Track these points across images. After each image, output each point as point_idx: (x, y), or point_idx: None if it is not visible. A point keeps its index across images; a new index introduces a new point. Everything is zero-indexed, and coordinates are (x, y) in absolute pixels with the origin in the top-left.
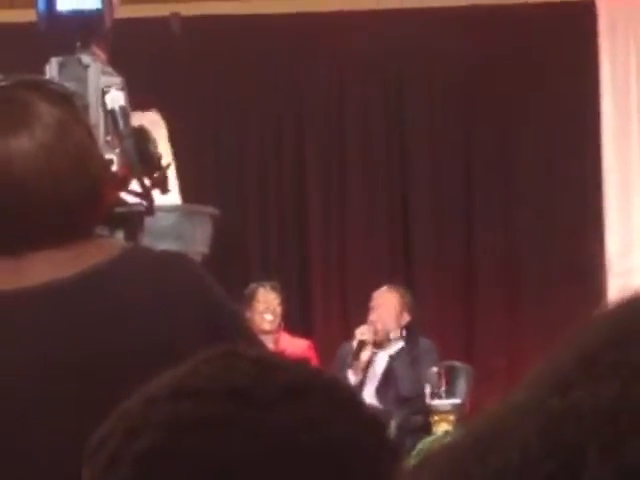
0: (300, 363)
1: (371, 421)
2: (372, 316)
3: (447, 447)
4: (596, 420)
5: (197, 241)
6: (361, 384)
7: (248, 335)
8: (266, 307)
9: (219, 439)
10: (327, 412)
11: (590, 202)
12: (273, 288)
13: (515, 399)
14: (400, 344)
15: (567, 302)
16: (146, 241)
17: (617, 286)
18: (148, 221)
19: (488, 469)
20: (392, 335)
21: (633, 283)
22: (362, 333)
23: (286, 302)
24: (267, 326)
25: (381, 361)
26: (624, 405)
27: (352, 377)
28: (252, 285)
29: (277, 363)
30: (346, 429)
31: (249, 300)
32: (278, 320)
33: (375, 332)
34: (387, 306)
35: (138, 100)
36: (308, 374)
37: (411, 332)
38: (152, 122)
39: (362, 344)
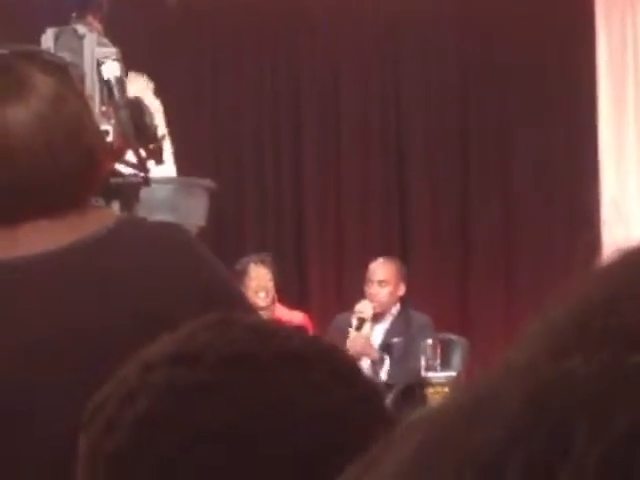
0: (297, 330)
1: (368, 389)
2: (371, 289)
3: (432, 416)
4: (588, 391)
5: (193, 214)
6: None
7: (244, 306)
8: (258, 284)
9: (215, 404)
10: (324, 379)
11: (585, 154)
12: (263, 262)
13: (506, 362)
14: (394, 315)
15: (565, 270)
16: (142, 213)
17: (613, 236)
18: (144, 193)
19: (475, 439)
20: (393, 311)
21: (629, 233)
22: (362, 311)
23: (281, 275)
24: (261, 303)
25: (377, 334)
26: (617, 375)
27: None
28: (243, 260)
29: (274, 330)
30: (343, 396)
31: (241, 276)
32: (272, 294)
33: (374, 307)
34: (386, 281)
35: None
36: (305, 341)
37: (405, 303)
38: (140, 88)
39: (362, 321)
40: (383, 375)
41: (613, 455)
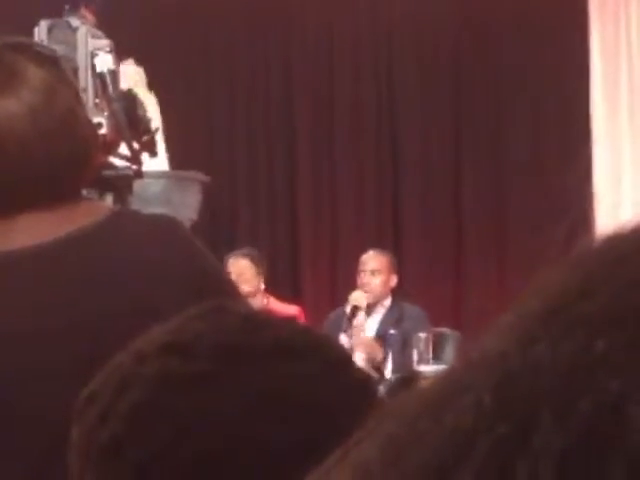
0: (288, 321)
1: (361, 380)
2: (363, 279)
3: (403, 405)
4: (552, 379)
5: (185, 207)
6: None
7: (236, 297)
8: (237, 275)
9: (208, 394)
10: (317, 369)
11: (578, 135)
12: (244, 255)
13: (479, 351)
14: (386, 307)
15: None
16: (134, 206)
17: (605, 225)
18: (137, 187)
19: (443, 429)
20: (385, 301)
21: (620, 216)
22: (356, 299)
23: (274, 269)
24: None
25: (371, 326)
26: (582, 362)
27: (346, 341)
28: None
29: (266, 320)
30: (336, 386)
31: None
32: (255, 287)
33: (367, 297)
34: (378, 270)
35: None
36: (297, 331)
37: (396, 295)
38: (132, 74)
39: (355, 309)
40: (387, 373)
41: (572, 443)
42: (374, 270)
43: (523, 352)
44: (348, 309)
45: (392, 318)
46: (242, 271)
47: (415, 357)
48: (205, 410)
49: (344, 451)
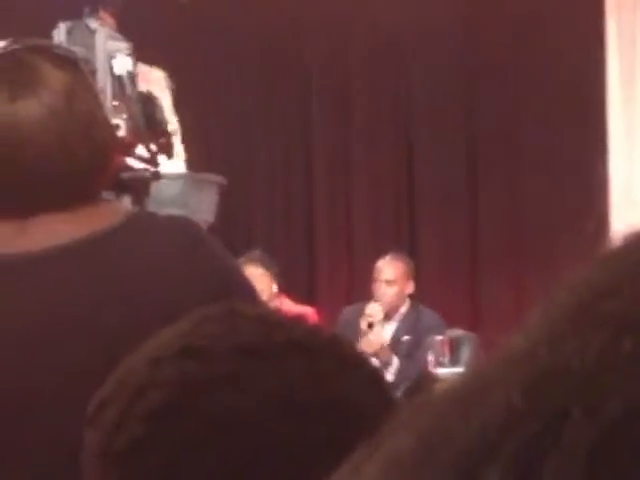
0: (300, 321)
1: (373, 377)
2: (379, 289)
3: (433, 402)
4: (581, 378)
5: (202, 209)
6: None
7: (254, 298)
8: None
9: (229, 396)
10: (331, 367)
11: (594, 144)
12: (255, 262)
13: (507, 349)
14: (403, 314)
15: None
16: (151, 208)
17: (620, 222)
18: (154, 190)
19: (471, 427)
20: (402, 309)
21: (636, 218)
22: (371, 315)
23: (290, 271)
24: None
25: (387, 333)
26: (610, 361)
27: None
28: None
29: (279, 321)
30: (350, 385)
31: None
32: (269, 294)
33: (383, 308)
34: (394, 280)
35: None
36: (309, 331)
37: (414, 301)
38: (156, 80)
39: (371, 325)
40: (390, 376)
41: (601, 442)
42: (389, 280)
43: (552, 349)
44: (363, 324)
45: (408, 325)
46: (255, 279)
47: (431, 360)
48: (227, 411)
49: (374, 444)
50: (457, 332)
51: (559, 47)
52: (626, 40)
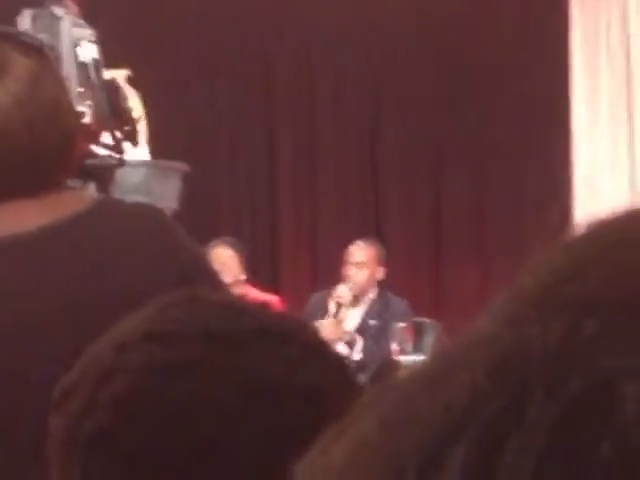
0: (263, 307)
1: (338, 362)
2: (348, 271)
3: (398, 385)
4: (544, 357)
5: (166, 196)
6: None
7: (217, 284)
8: (220, 265)
9: (194, 381)
10: (297, 352)
11: (558, 134)
12: (228, 244)
13: (472, 332)
14: (372, 299)
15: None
16: (115, 196)
17: (584, 210)
18: (117, 176)
19: (437, 407)
20: (370, 294)
21: (599, 207)
22: (340, 296)
23: (255, 258)
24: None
25: (355, 317)
26: (573, 340)
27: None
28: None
29: (243, 307)
30: (316, 371)
31: None
32: (237, 278)
33: (352, 290)
34: (364, 263)
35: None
36: (273, 317)
37: (383, 287)
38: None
39: (339, 306)
40: (356, 355)
41: (562, 420)
42: (359, 263)
43: (515, 332)
44: (332, 305)
45: (376, 310)
46: (225, 261)
47: (395, 347)
48: (193, 396)
49: (342, 427)
50: (420, 319)
51: (523, 40)
52: (589, 31)
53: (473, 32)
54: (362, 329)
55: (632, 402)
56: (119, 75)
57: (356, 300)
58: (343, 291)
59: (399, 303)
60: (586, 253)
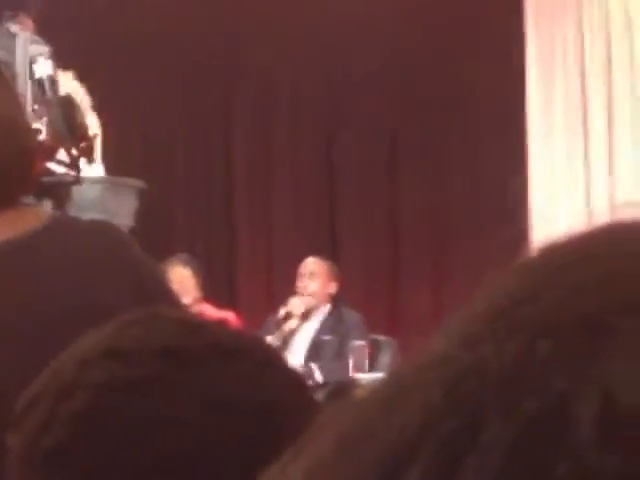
0: (221, 324)
1: (295, 379)
2: (301, 283)
3: (354, 404)
4: (498, 378)
5: (122, 214)
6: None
7: (173, 301)
8: (178, 284)
9: (154, 398)
10: (254, 370)
11: (514, 149)
12: (185, 264)
13: (426, 353)
14: (325, 314)
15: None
16: (71, 213)
17: (541, 233)
18: (74, 193)
19: (394, 426)
20: (323, 308)
21: (555, 230)
22: (295, 305)
23: (211, 276)
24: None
25: (308, 332)
26: (526, 362)
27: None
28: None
29: (201, 324)
30: (272, 386)
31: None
32: (194, 297)
33: (305, 302)
34: (316, 274)
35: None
36: (230, 334)
37: (336, 302)
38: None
39: (289, 315)
40: (319, 377)
41: (518, 441)
42: (312, 273)
43: (470, 353)
44: (281, 311)
45: (330, 324)
46: (183, 281)
47: (351, 365)
48: (151, 413)
49: (299, 447)
50: (377, 337)
51: (480, 52)
52: (544, 44)
53: (427, 47)
54: (316, 345)
55: (586, 424)
56: (67, 77)
57: (309, 314)
58: (295, 302)
59: (353, 316)
60: (539, 275)
